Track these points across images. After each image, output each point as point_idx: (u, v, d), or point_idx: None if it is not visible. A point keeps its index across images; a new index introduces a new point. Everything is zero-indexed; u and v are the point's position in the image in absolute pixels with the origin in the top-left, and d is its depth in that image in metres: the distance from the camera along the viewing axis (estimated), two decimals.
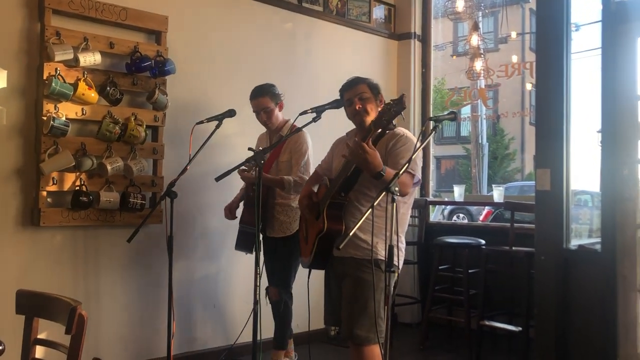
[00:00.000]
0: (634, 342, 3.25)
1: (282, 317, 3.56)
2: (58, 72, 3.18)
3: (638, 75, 3.26)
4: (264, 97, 3.49)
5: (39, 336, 1.80)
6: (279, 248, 3.51)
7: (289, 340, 3.67)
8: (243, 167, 3.24)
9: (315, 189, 2.88)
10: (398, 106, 2.28)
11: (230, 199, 3.77)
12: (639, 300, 3.29)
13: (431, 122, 2.45)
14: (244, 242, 3.55)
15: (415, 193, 2.76)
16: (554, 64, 3.48)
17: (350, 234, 2.10)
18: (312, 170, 3.37)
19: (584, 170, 3.74)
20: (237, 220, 3.65)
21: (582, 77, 3.62)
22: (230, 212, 3.67)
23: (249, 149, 3.27)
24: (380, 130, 2.40)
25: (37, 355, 1.81)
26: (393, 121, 2.38)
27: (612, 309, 3.26)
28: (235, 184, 3.66)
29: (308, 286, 2.76)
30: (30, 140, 3.22)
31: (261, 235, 3.50)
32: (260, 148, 3.58)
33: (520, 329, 3.93)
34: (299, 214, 3.47)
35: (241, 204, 3.70)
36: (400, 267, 2.62)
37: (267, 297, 3.60)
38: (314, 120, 2.88)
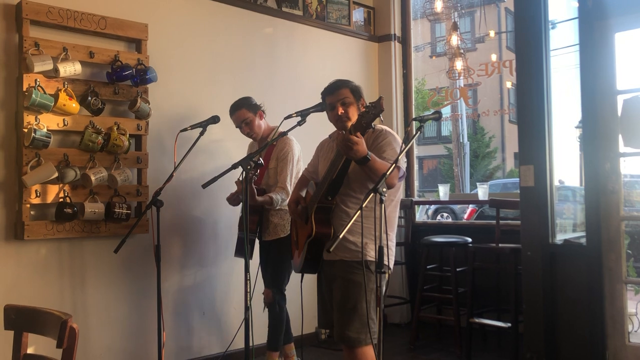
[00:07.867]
0: (622, 333, 3.30)
1: (276, 319, 3.54)
2: (38, 83, 3.14)
3: (617, 70, 3.31)
4: (240, 110, 3.49)
5: (28, 351, 1.77)
6: (271, 250, 3.50)
7: (289, 344, 3.65)
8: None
9: (303, 194, 2.87)
10: (376, 109, 2.30)
11: (217, 205, 3.79)
12: (625, 291, 3.33)
13: (416, 122, 2.47)
14: (240, 248, 3.54)
15: (401, 191, 2.77)
16: (534, 61, 3.52)
17: (340, 236, 2.10)
18: None
19: (562, 166, 3.78)
20: (222, 228, 3.61)
21: (557, 74, 3.66)
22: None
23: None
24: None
25: None
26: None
27: (600, 301, 3.30)
28: (222, 191, 3.63)
29: (301, 290, 2.76)
30: (11, 153, 3.18)
31: (258, 241, 3.53)
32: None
33: (509, 324, 3.96)
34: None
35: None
36: (392, 267, 2.62)
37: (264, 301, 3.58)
38: (299, 124, 2.88)
